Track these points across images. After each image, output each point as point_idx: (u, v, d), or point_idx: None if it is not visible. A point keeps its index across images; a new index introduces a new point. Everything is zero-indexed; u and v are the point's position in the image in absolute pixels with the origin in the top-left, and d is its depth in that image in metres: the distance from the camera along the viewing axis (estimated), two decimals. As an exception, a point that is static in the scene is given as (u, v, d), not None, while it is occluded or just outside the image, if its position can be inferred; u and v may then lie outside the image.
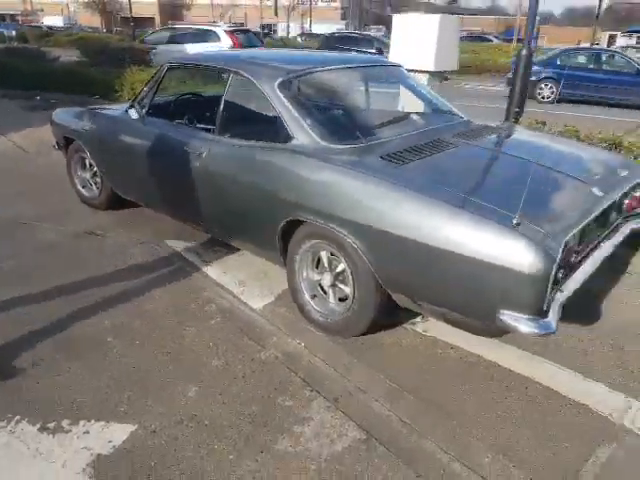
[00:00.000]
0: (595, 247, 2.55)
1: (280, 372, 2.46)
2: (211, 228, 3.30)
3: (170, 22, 49.11)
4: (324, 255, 2.66)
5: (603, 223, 2.59)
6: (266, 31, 42.54)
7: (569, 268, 2.17)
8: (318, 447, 2.05)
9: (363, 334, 2.68)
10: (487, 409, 2.26)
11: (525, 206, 2.11)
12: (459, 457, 2.01)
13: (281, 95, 2.75)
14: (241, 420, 2.18)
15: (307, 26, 42.75)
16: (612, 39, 45.11)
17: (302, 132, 2.65)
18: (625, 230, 2.81)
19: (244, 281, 3.29)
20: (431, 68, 5.07)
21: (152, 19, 49.92)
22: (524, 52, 4.84)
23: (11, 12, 49.15)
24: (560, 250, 1.97)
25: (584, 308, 3.04)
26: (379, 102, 3.28)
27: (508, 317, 2.02)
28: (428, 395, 2.33)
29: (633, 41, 32.58)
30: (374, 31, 41.56)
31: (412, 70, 5.35)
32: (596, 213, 2.34)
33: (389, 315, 2.62)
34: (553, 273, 1.91)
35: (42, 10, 47.90)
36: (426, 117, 3.19)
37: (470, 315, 2.18)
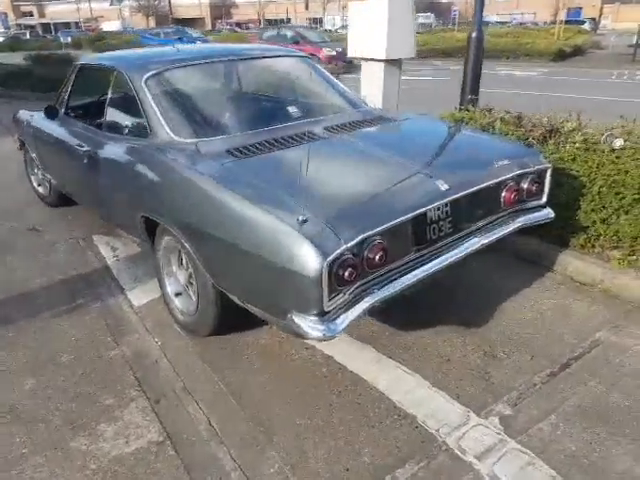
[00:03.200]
0: (454, 244, 2.35)
1: (119, 371, 2.45)
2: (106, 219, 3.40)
3: (219, 22, 50.46)
4: (184, 253, 2.62)
5: (465, 218, 2.38)
6: (313, 25, 42.63)
7: (375, 267, 2.01)
8: (110, 447, 2.02)
9: (227, 333, 2.64)
10: (305, 415, 2.14)
11: (328, 202, 2.04)
12: (245, 467, 1.91)
13: (146, 90, 2.73)
14: (55, 416, 2.19)
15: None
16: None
17: (159, 127, 2.63)
18: (511, 225, 2.57)
19: (140, 277, 3.31)
20: (382, 56, 4.85)
21: (202, 19, 51.30)
22: (474, 35, 4.50)
23: (75, 20, 52.21)
24: (343, 249, 1.83)
25: (479, 308, 2.82)
26: (261, 94, 3.18)
27: (296, 318, 1.90)
28: (252, 398, 2.24)
29: None
30: (421, 19, 40.29)
31: (367, 59, 5.18)
32: (428, 208, 2.16)
33: (240, 315, 2.54)
34: (326, 273, 1.78)
35: (102, 17, 50.45)
36: (308, 109, 3.04)
37: (276, 316, 2.05)
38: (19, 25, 50.09)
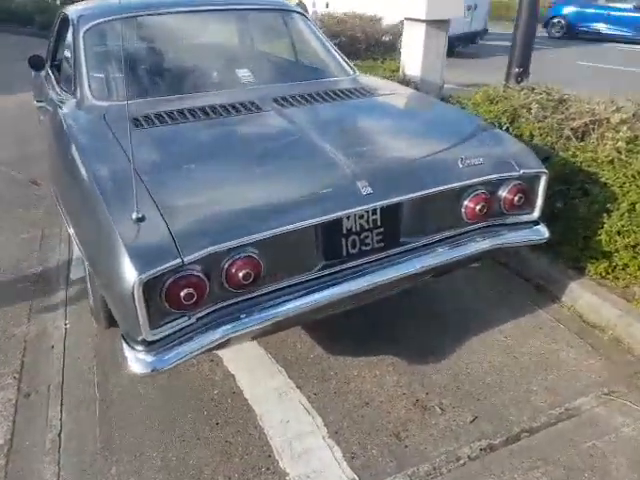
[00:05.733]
0: (386, 262, 1.83)
1: (10, 352, 2.26)
2: None
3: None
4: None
5: (405, 232, 1.84)
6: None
7: (242, 287, 1.56)
8: (-54, 443, 1.84)
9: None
10: (162, 446, 1.79)
11: (192, 199, 1.63)
12: (63, 497, 1.64)
13: (82, 43, 2.43)
14: None
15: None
16: None
17: (81, 85, 2.33)
18: (476, 246, 1.97)
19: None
20: (422, 15, 4.14)
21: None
22: None
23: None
24: (174, 263, 1.41)
25: (439, 339, 2.27)
26: (214, 53, 2.70)
27: (123, 341, 1.54)
28: (119, 413, 1.94)
29: None
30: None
31: (408, 19, 4.48)
32: (339, 216, 1.66)
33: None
34: (139, 293, 1.38)
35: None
36: (267, 74, 2.55)
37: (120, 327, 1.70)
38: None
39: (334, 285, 1.74)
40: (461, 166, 1.89)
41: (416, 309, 2.48)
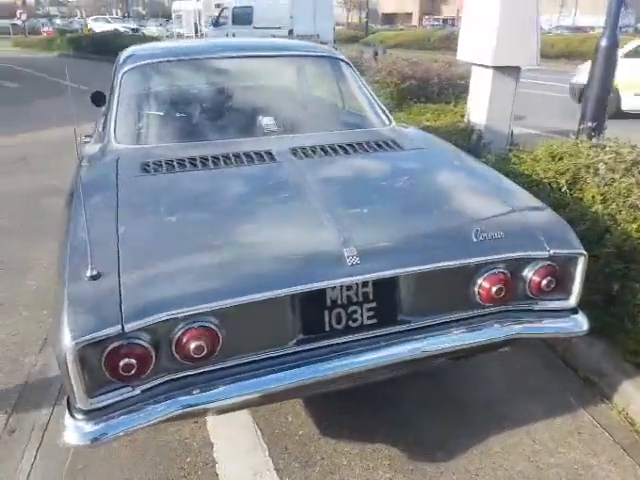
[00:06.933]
0: (379, 342, 1.60)
1: (13, 384, 2.27)
2: None
3: (426, 17, 49.41)
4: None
5: (403, 309, 1.61)
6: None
7: (194, 360, 1.41)
8: None
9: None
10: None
11: (156, 258, 1.53)
12: None
13: (120, 84, 2.48)
14: None
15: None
16: None
17: (109, 127, 2.36)
18: (491, 333, 1.68)
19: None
20: (489, 62, 3.88)
21: (410, 14, 50.85)
22: (604, 43, 3.19)
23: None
24: (114, 331, 1.29)
25: (452, 430, 1.96)
26: (241, 100, 2.62)
27: (66, 410, 1.42)
28: (84, 469, 1.84)
29: None
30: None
31: (476, 65, 4.23)
32: (302, 288, 1.47)
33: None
34: (73, 360, 1.28)
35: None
36: (293, 122, 2.40)
37: None
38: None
39: (311, 364, 1.54)
40: (475, 240, 1.63)
41: (429, 392, 2.18)
